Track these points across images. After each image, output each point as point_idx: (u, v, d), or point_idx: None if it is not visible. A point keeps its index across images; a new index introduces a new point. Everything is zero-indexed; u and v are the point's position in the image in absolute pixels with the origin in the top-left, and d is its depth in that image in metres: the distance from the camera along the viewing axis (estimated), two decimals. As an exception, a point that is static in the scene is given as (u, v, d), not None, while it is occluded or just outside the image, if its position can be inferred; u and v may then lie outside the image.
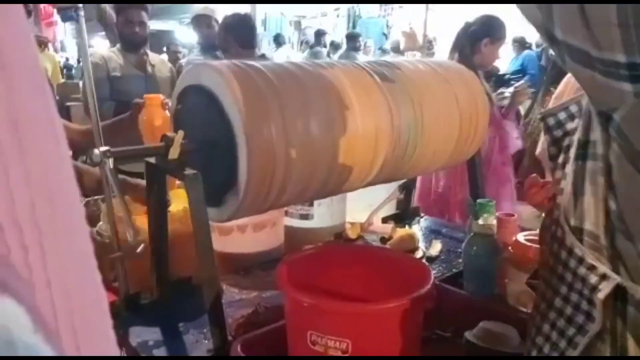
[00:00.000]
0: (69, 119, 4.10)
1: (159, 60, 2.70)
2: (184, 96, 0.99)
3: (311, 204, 1.47)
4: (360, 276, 0.95)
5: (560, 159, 0.65)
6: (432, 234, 1.57)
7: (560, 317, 0.60)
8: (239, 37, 2.53)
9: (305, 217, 1.48)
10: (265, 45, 6.87)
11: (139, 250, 1.01)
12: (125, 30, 2.45)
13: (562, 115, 0.66)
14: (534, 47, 6.11)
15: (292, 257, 0.95)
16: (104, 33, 4.69)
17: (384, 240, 1.50)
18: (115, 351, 0.25)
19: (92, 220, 1.50)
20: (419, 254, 1.40)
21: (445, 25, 2.62)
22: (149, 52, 2.61)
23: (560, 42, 0.52)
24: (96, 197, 1.34)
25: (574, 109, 0.65)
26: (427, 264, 1.01)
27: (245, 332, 0.96)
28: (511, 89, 2.35)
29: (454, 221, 2.04)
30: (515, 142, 2.36)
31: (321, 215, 1.49)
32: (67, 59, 8.44)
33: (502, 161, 2.30)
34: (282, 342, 0.84)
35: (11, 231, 0.18)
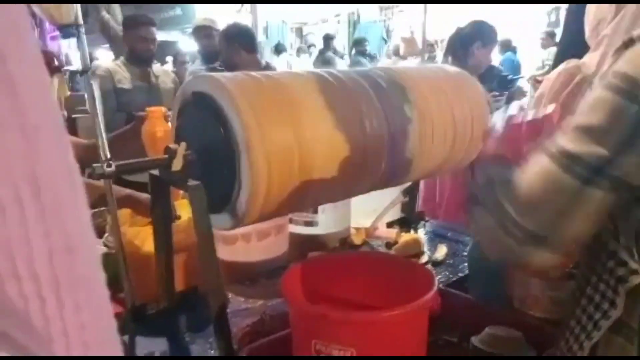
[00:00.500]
0: (76, 131, 4.14)
1: (162, 72, 2.73)
2: (185, 107, 0.99)
3: (315, 211, 1.47)
4: (365, 283, 0.95)
5: None
6: (438, 238, 1.57)
7: (590, 303, 0.67)
8: (243, 43, 2.58)
9: (309, 223, 1.49)
10: (267, 53, 6.90)
11: None
12: (137, 46, 2.52)
13: None
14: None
15: (297, 265, 0.95)
16: (107, 45, 4.74)
17: (389, 245, 1.50)
18: None
19: (99, 231, 1.52)
20: (424, 259, 1.40)
21: (448, 28, 2.63)
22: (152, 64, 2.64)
23: None
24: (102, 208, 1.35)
25: None
26: (431, 269, 1.01)
27: (251, 341, 0.96)
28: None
29: (459, 224, 2.04)
30: None
31: (325, 221, 1.49)
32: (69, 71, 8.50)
33: None
34: (287, 351, 0.84)
35: (29, 282, 0.19)
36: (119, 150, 1.03)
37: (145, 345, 1.02)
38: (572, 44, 1.56)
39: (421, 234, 1.60)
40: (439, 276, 1.29)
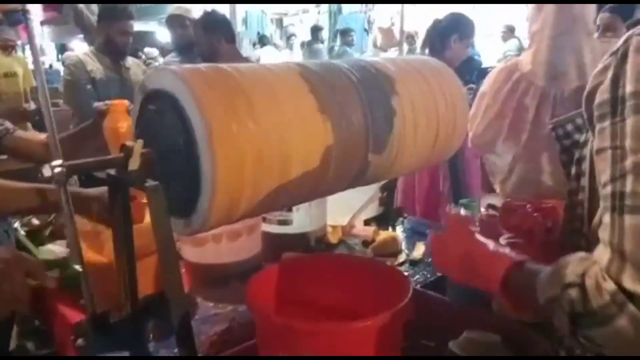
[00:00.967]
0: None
1: (133, 63, 2.63)
2: (146, 103, 0.93)
3: (289, 209, 1.42)
4: (338, 287, 0.90)
5: (573, 171, 0.67)
6: (416, 235, 1.53)
7: None
8: (224, 33, 2.51)
9: (283, 222, 1.43)
10: (245, 45, 6.78)
11: None
12: (115, 39, 2.45)
13: (569, 127, 0.69)
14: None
15: (265, 271, 0.90)
16: (82, 36, 4.58)
17: (366, 244, 1.46)
18: None
19: (62, 235, 1.44)
20: (402, 258, 1.36)
21: (428, 19, 2.59)
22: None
23: None
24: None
25: (579, 121, 0.67)
26: (405, 274, 0.96)
27: (218, 351, 0.91)
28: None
29: (437, 220, 2.01)
30: None
31: (300, 220, 1.44)
32: (44, 63, 8.28)
33: (474, 153, 2.30)
34: (254, 362, 0.79)
35: None
36: (75, 150, 0.95)
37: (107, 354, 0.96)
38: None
39: (399, 231, 1.57)
40: (417, 276, 1.26)
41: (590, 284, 0.51)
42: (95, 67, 2.44)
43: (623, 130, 0.53)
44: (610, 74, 0.56)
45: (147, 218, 1.01)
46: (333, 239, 1.48)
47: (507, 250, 0.68)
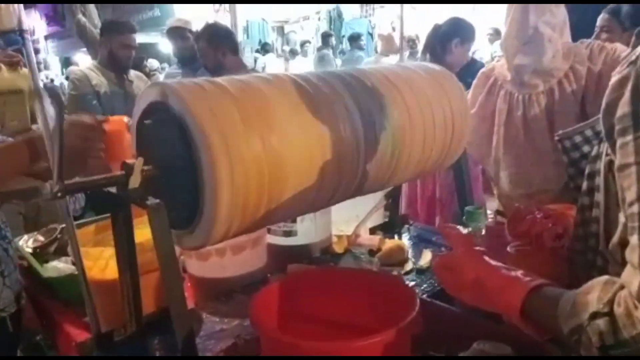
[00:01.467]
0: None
1: (135, 76, 2.64)
2: (144, 118, 0.92)
3: (294, 220, 1.41)
4: (343, 301, 0.89)
5: (585, 186, 0.65)
6: (422, 242, 1.51)
7: None
8: (229, 45, 2.51)
9: (288, 233, 1.42)
10: (247, 53, 6.80)
11: None
12: (121, 53, 2.48)
13: (577, 139, 0.67)
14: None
15: (269, 287, 0.89)
16: (85, 49, 4.61)
17: (372, 253, 1.44)
18: None
19: (67, 252, 1.43)
20: (408, 266, 1.34)
21: (428, 24, 2.58)
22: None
23: None
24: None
25: (588, 133, 0.65)
26: (411, 286, 0.95)
27: (224, 368, 0.89)
28: None
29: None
30: None
31: (305, 230, 1.43)
32: (47, 77, 8.35)
33: (473, 160, 2.30)
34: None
35: None
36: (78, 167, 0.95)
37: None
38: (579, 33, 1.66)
39: (405, 239, 1.55)
40: (424, 285, 1.24)
41: (620, 312, 0.48)
42: (100, 81, 2.46)
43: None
44: (630, 85, 0.53)
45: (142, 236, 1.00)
46: (339, 248, 1.46)
47: (519, 273, 0.65)
